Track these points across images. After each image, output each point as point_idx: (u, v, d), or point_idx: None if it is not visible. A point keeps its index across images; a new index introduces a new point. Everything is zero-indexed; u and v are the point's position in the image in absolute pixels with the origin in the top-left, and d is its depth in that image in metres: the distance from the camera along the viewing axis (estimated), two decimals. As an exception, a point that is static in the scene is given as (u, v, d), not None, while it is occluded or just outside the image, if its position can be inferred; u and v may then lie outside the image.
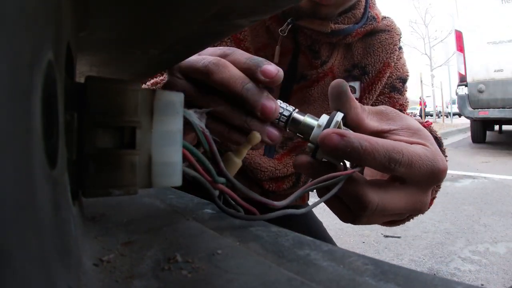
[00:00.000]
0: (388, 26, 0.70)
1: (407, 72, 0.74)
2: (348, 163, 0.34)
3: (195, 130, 0.27)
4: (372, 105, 0.70)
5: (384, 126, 0.34)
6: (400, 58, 0.72)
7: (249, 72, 0.34)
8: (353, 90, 0.68)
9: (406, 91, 0.74)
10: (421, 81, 11.92)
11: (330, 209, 0.35)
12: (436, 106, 15.55)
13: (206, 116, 0.32)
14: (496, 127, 6.63)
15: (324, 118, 0.33)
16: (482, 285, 1.55)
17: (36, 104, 0.11)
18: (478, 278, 1.60)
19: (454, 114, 17.61)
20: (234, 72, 0.33)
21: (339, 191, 0.31)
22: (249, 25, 0.28)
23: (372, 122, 0.34)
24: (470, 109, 5.20)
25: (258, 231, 0.26)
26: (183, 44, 0.31)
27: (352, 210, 0.33)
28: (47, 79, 0.13)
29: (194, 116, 0.28)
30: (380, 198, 0.32)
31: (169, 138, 0.23)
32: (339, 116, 0.33)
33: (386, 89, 0.71)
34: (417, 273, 0.18)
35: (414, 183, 0.33)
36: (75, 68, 0.26)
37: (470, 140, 6.53)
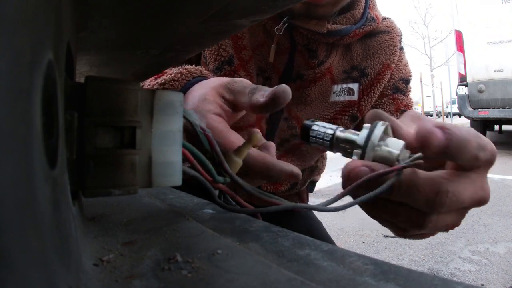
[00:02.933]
0: (388, 27, 0.69)
1: (410, 73, 0.73)
2: None
3: (195, 130, 0.27)
4: (373, 107, 0.70)
5: None
6: (402, 59, 0.72)
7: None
8: (352, 91, 0.68)
9: (409, 91, 0.73)
10: (421, 81, 11.93)
11: (380, 219, 0.31)
12: (436, 106, 15.56)
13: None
14: (496, 127, 6.62)
15: (367, 126, 0.30)
16: (482, 285, 1.55)
17: (36, 104, 0.11)
18: (478, 278, 1.60)
19: (454, 114, 17.61)
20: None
21: (398, 190, 0.27)
22: (249, 25, 0.28)
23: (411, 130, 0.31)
24: (470, 109, 5.20)
25: (258, 231, 0.26)
26: (183, 44, 0.31)
27: (422, 210, 0.28)
28: (47, 79, 0.13)
29: (194, 116, 0.28)
30: (451, 187, 0.27)
31: (169, 137, 0.23)
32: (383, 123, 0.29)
33: (388, 91, 0.70)
34: (417, 273, 0.18)
35: (473, 168, 0.29)
36: (75, 68, 0.26)
37: (470, 140, 6.49)
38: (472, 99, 5.18)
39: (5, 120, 0.08)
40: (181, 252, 0.21)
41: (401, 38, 0.71)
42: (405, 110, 0.71)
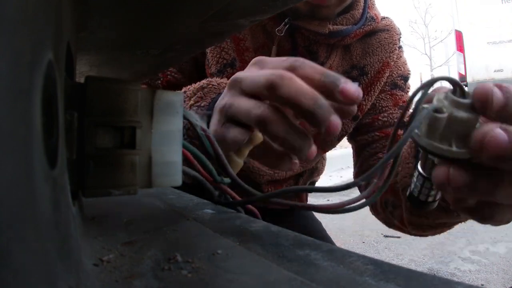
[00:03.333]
0: (387, 25, 0.70)
1: (409, 71, 0.73)
2: None
3: (195, 131, 0.27)
4: (372, 104, 0.70)
5: None
6: (400, 57, 0.72)
7: (324, 90, 0.29)
8: None
9: (408, 89, 0.73)
10: (421, 81, 11.93)
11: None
12: (436, 106, 15.51)
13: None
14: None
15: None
16: (482, 285, 1.55)
17: (36, 104, 0.11)
18: (478, 278, 1.60)
19: (454, 114, 17.53)
20: (302, 87, 0.29)
21: None
22: (249, 25, 0.28)
23: None
24: (470, 109, 5.19)
25: (258, 231, 0.26)
26: (183, 44, 0.31)
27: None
28: (47, 79, 0.13)
29: (194, 117, 0.27)
30: None
31: (169, 137, 0.23)
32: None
33: (386, 87, 0.70)
34: (417, 273, 0.18)
35: None
36: (75, 68, 0.26)
37: (470, 140, 6.50)
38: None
39: (5, 120, 0.08)
40: (181, 252, 0.21)
41: (400, 37, 0.71)
42: (404, 106, 0.71)
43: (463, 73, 5.25)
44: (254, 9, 0.25)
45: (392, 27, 0.70)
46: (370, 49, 0.67)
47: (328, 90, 0.29)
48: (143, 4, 0.22)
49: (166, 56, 0.34)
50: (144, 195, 0.36)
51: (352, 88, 0.28)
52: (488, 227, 2.16)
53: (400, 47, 0.71)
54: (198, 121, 0.28)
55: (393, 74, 0.70)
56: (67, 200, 0.17)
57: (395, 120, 0.70)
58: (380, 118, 0.69)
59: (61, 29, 0.16)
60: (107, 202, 0.33)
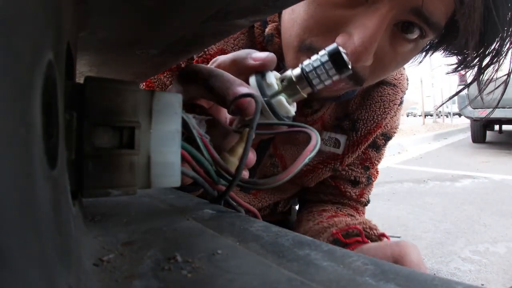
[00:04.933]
0: (396, 79, 0.64)
1: (395, 129, 0.69)
2: None
3: (192, 134, 0.27)
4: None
5: None
6: (395, 114, 0.67)
7: (237, 62, 0.34)
8: (338, 143, 0.63)
9: (385, 147, 0.69)
10: (421, 81, 11.93)
11: None
12: (436, 106, 15.58)
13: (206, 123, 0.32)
14: (496, 127, 6.63)
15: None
16: (482, 285, 1.55)
17: (36, 104, 0.11)
18: (478, 278, 1.61)
19: (454, 114, 17.60)
20: (201, 68, 0.33)
21: None
22: (249, 25, 0.28)
23: None
24: (470, 109, 5.19)
25: (258, 231, 0.26)
26: (183, 44, 0.31)
27: None
28: (47, 79, 0.13)
29: (192, 120, 0.28)
30: None
31: (168, 138, 0.23)
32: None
33: None
34: (417, 273, 0.18)
35: None
36: (75, 68, 0.26)
37: (470, 140, 6.53)
38: (472, 99, 5.17)
39: (5, 120, 0.08)
40: (181, 252, 0.21)
41: (404, 94, 0.66)
42: (368, 167, 0.68)
43: (463, 73, 5.24)
44: (254, 9, 0.25)
45: (399, 82, 0.65)
46: (368, 101, 0.63)
47: (240, 61, 0.34)
48: (143, 4, 0.22)
49: (166, 56, 0.34)
50: (144, 195, 0.36)
51: (262, 53, 0.34)
52: (488, 227, 2.17)
53: (401, 102, 0.67)
54: (195, 124, 0.28)
55: (379, 132, 0.66)
56: (67, 200, 0.17)
57: (352, 178, 0.67)
58: (340, 169, 0.66)
59: (61, 29, 0.16)
60: (107, 202, 0.33)
